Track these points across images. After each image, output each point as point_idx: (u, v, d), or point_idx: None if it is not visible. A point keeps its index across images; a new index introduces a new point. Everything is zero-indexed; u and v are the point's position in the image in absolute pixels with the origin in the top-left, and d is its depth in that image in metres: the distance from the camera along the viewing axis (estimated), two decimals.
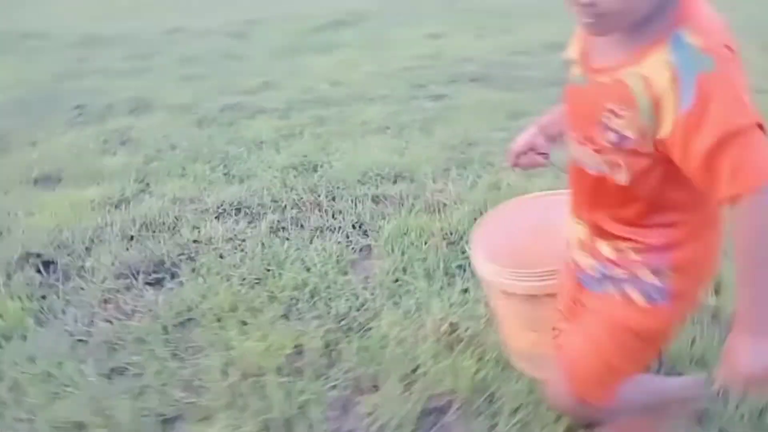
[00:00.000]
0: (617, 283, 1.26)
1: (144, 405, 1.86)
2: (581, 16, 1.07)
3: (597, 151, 1.17)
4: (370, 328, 2.14)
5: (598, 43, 1.14)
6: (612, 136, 1.11)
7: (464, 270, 2.41)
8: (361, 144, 3.93)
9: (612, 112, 1.10)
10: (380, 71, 5.75)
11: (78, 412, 1.85)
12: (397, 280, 2.42)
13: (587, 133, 1.18)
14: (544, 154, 1.54)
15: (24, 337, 2.20)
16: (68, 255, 2.68)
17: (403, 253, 2.57)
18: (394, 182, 3.33)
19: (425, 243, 2.63)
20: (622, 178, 1.15)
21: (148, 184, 3.37)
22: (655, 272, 1.21)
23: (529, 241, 1.77)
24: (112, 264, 2.58)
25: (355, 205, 3.10)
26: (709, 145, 0.98)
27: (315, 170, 3.52)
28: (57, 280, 2.52)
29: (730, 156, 0.98)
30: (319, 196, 3.19)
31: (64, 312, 2.34)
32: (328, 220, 2.95)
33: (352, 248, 2.68)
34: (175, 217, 2.96)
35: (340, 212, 3.02)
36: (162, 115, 4.49)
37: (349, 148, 3.83)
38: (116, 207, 3.11)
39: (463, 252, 2.50)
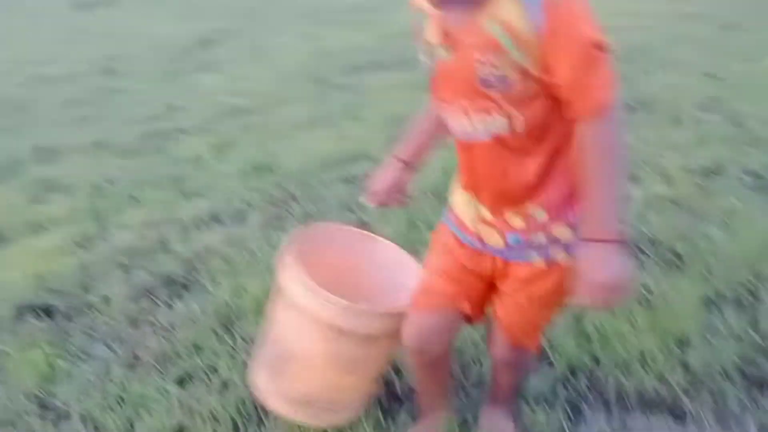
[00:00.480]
0: (541, 249, 1.28)
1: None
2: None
3: (487, 110, 1.17)
4: None
5: (451, 18, 1.17)
6: (495, 84, 1.13)
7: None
8: (299, 140, 4.02)
9: (485, 63, 1.12)
10: (276, 76, 5.82)
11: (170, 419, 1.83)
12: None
13: (472, 98, 1.18)
14: (405, 195, 1.54)
15: (69, 376, 2.10)
16: (64, 297, 2.55)
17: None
18: (355, 162, 3.48)
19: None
20: (518, 125, 1.16)
21: (105, 219, 3.24)
22: (570, 226, 1.25)
23: (334, 274, 1.64)
24: (123, 292, 2.50)
25: (330, 189, 3.22)
26: (570, 63, 1.08)
27: (270, 170, 3.57)
28: (68, 319, 2.41)
29: (586, 74, 1.08)
30: (289, 190, 3.26)
31: (92, 345, 2.25)
32: (312, 208, 3.04)
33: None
34: (159, 240, 2.90)
35: (321, 199, 3.12)
36: (76, 157, 4.27)
37: (291, 146, 3.91)
38: (84, 247, 2.97)
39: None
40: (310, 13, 8.95)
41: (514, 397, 1.69)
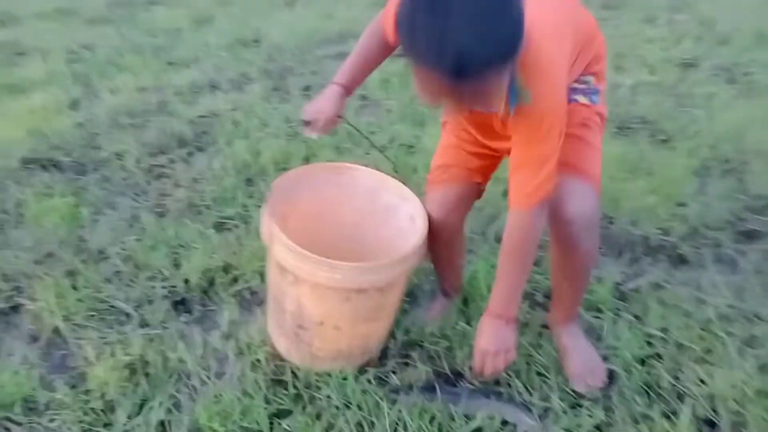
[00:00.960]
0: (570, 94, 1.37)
1: None
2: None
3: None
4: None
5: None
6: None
7: None
8: (281, 17, 3.93)
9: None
10: None
11: (214, 259, 1.91)
12: None
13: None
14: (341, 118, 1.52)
15: (96, 222, 2.11)
16: (71, 153, 2.50)
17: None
18: (345, 41, 3.46)
19: None
20: None
21: (91, 83, 3.12)
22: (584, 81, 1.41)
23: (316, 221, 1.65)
24: (136, 148, 2.48)
25: (325, 65, 3.21)
26: (520, 155, 1.26)
27: (258, 44, 3.51)
28: (81, 173, 2.38)
29: (525, 172, 1.25)
30: (284, 62, 3.23)
31: (113, 196, 2.25)
32: (310, 78, 3.05)
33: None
34: (159, 103, 2.85)
35: (318, 71, 3.12)
36: (40, 23, 4.00)
37: (274, 22, 3.83)
38: (77, 109, 2.88)
39: None
40: None
41: (580, 299, 1.61)
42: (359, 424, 1.42)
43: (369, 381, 1.53)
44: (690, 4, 4.19)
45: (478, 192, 1.59)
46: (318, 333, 1.51)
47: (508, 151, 1.35)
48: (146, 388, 1.52)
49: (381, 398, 1.47)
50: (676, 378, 1.51)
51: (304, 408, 1.48)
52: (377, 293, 1.46)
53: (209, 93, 2.94)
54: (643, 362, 1.56)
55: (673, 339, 1.61)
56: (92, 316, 1.75)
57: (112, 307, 1.77)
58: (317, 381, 1.54)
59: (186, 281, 1.85)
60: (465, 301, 1.76)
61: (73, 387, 1.54)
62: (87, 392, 1.52)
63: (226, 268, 1.89)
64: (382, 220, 1.68)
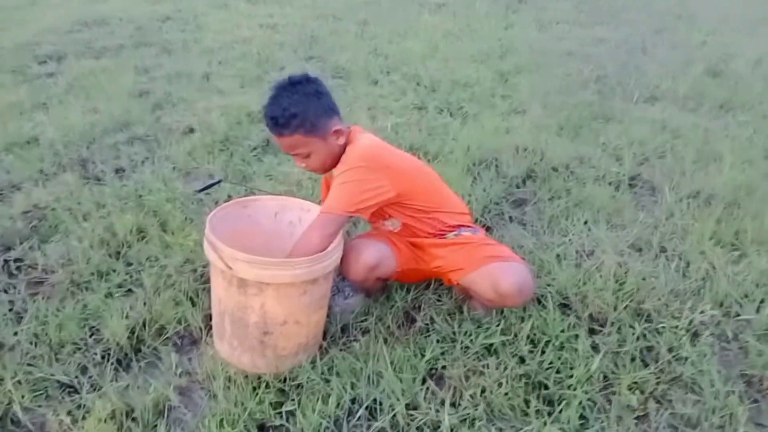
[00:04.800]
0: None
1: None
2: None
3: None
4: None
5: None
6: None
7: None
8: (39, 117, 3.85)
9: None
10: None
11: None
12: None
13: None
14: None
15: None
16: None
17: None
18: (125, 129, 3.61)
19: None
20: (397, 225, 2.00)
21: None
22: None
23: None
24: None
25: (119, 149, 3.33)
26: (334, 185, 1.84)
27: (37, 142, 3.42)
28: None
29: (331, 196, 1.82)
30: (71, 154, 3.25)
31: None
32: (114, 162, 3.15)
33: None
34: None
35: (117, 157, 3.23)
36: None
37: (40, 123, 3.74)
38: None
39: None
40: None
41: None
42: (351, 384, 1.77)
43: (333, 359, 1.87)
44: (397, 68, 5.25)
45: (393, 272, 2.00)
46: (282, 332, 1.81)
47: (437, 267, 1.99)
48: (139, 430, 1.63)
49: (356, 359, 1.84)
50: None
51: (298, 394, 1.76)
52: (324, 281, 1.84)
53: (15, 193, 2.84)
54: None
55: None
56: (38, 395, 1.74)
57: (57, 382, 1.78)
58: (290, 373, 1.83)
59: (117, 344, 1.93)
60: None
61: None
62: None
63: (146, 324, 2.02)
64: (288, 235, 2.04)
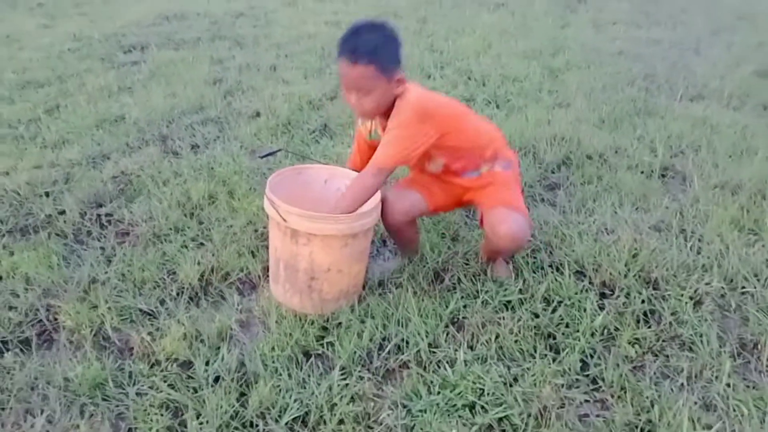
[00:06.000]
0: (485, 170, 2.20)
1: None
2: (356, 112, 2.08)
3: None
4: None
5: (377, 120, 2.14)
6: None
7: None
8: (126, 99, 4.31)
9: None
10: None
11: None
12: None
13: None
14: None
15: (77, 265, 2.41)
16: (6, 221, 2.69)
17: None
18: (202, 111, 4.02)
19: None
20: (436, 166, 2.20)
21: None
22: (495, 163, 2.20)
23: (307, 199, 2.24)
24: (71, 207, 2.77)
25: (195, 129, 3.74)
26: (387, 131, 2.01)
27: (123, 119, 3.87)
28: (27, 233, 2.61)
29: (383, 143, 2.01)
30: (152, 131, 3.68)
31: (77, 244, 2.55)
32: (189, 140, 3.55)
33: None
34: (64, 173, 3.12)
35: (193, 135, 3.63)
36: None
37: (126, 104, 4.21)
38: None
39: None
40: None
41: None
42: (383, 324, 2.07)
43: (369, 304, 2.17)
44: (451, 63, 5.51)
45: (427, 212, 2.29)
46: (327, 278, 2.12)
47: (468, 198, 2.23)
48: (205, 349, 1.97)
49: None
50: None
51: (338, 331, 2.06)
52: (363, 237, 2.12)
53: (105, 162, 3.27)
54: None
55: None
56: (124, 319, 2.11)
57: (140, 310, 2.15)
58: (332, 315, 2.13)
59: (190, 284, 2.29)
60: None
61: (150, 364, 1.92)
62: (160, 362, 1.92)
63: (214, 270, 2.37)
64: (334, 200, 2.34)
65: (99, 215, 2.75)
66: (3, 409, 1.75)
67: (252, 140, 3.54)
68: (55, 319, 2.12)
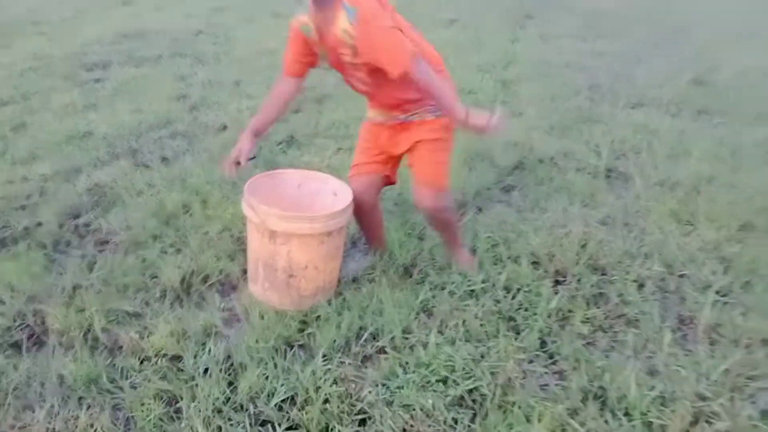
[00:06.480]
0: (417, 115, 2.25)
1: None
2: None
3: (358, 73, 2.13)
4: None
5: (321, 28, 2.06)
6: (354, 64, 2.08)
7: None
8: (89, 115, 4.38)
9: (344, 53, 2.06)
10: None
11: None
12: None
13: (349, 70, 2.14)
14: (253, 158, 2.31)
15: (58, 274, 2.50)
16: None
17: None
18: (167, 126, 4.13)
19: None
20: (366, 79, 2.13)
21: None
22: (430, 104, 2.21)
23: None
24: (47, 219, 2.85)
25: (163, 143, 3.84)
26: (374, 42, 1.96)
27: (91, 134, 3.94)
28: (8, 244, 2.68)
29: (386, 49, 1.96)
30: (121, 146, 3.77)
31: (59, 254, 2.63)
32: (159, 152, 3.65)
33: None
34: (38, 187, 3.19)
35: (162, 148, 3.73)
36: None
37: (91, 121, 4.28)
38: None
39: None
40: None
41: (456, 240, 2.52)
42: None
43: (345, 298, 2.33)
44: None
45: (386, 180, 2.43)
46: (304, 275, 2.27)
47: (400, 155, 2.35)
48: (192, 344, 2.09)
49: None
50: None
51: (317, 323, 2.21)
52: (337, 235, 2.29)
53: (78, 175, 3.35)
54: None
55: None
56: (111, 321, 2.22)
57: (126, 312, 2.26)
58: (310, 309, 2.28)
59: (172, 287, 2.41)
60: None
61: (140, 359, 2.03)
62: (150, 358, 2.04)
63: (194, 273, 2.49)
64: (310, 201, 2.49)
65: (77, 225, 2.84)
66: (2, 405, 1.84)
67: (220, 152, 3.65)
68: (43, 323, 2.22)
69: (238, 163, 2.24)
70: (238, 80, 5.18)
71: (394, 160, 2.44)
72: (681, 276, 2.52)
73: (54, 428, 1.76)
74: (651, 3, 9.06)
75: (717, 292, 2.39)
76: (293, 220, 2.17)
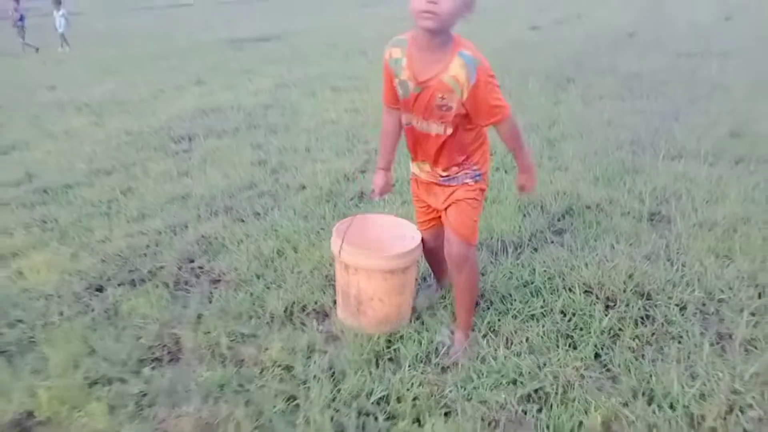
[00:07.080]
0: (457, 179, 2.41)
1: None
2: (423, 19, 2.01)
3: (438, 119, 2.24)
4: None
5: (418, 66, 2.15)
6: (444, 109, 2.18)
7: None
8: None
9: (442, 97, 2.15)
10: None
11: None
12: None
13: (428, 114, 2.23)
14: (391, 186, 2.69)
15: (183, 307, 3.00)
16: (113, 277, 3.30)
17: None
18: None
19: None
20: (447, 130, 2.25)
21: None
22: (472, 169, 2.40)
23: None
24: (169, 263, 3.39)
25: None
26: (485, 97, 2.14)
27: (188, 196, 4.54)
28: (134, 285, 3.22)
29: (492, 103, 2.18)
30: (217, 206, 4.35)
31: (181, 291, 3.15)
32: (261, 207, 4.21)
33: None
34: (151, 240, 3.76)
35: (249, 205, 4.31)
36: None
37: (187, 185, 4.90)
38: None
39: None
40: None
41: (467, 317, 2.62)
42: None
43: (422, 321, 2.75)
44: None
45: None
46: (370, 305, 2.67)
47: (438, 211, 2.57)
48: (300, 357, 2.53)
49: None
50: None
51: (401, 341, 2.62)
52: (402, 273, 2.65)
53: (185, 229, 3.91)
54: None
55: None
56: (233, 340, 2.69)
57: (242, 334, 2.73)
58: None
59: (277, 315, 2.87)
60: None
61: (261, 369, 2.48)
62: (268, 368, 2.48)
63: (294, 303, 2.96)
64: (395, 240, 2.95)
65: (192, 268, 3.37)
66: (155, 403, 2.31)
67: (303, 207, 4.20)
68: (177, 343, 2.70)
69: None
70: (308, 146, 5.79)
71: (437, 213, 2.72)
72: (720, 301, 2.84)
73: (202, 417, 2.22)
74: (688, 64, 9.46)
75: (752, 314, 2.71)
76: (360, 254, 2.60)
